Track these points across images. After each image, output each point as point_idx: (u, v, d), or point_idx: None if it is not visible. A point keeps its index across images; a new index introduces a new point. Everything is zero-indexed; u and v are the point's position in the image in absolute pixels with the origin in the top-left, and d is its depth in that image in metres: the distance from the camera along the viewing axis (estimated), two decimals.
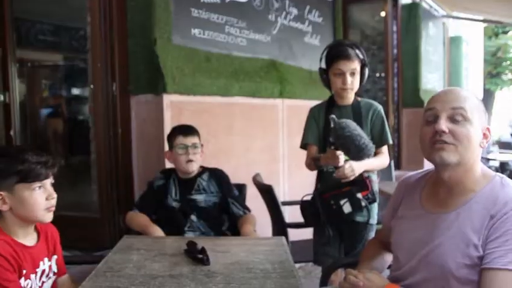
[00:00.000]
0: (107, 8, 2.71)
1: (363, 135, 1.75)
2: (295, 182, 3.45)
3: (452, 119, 1.14)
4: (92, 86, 2.80)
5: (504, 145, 8.81)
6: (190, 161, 2.13)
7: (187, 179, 2.20)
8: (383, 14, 6.38)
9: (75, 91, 6.00)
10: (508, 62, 13.32)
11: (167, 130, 2.30)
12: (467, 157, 1.15)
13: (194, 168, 2.17)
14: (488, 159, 6.49)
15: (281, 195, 3.39)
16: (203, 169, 2.25)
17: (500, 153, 7.77)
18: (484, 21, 8.49)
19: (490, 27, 11.18)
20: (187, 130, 2.18)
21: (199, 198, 2.18)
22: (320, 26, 3.97)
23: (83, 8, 2.86)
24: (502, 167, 5.77)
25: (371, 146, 1.77)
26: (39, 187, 1.37)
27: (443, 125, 1.13)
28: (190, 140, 2.14)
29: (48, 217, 1.42)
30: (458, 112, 1.14)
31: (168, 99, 2.57)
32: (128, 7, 2.70)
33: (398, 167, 6.30)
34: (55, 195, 1.42)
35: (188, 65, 2.72)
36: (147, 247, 1.69)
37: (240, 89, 3.00)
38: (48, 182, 1.41)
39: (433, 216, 1.21)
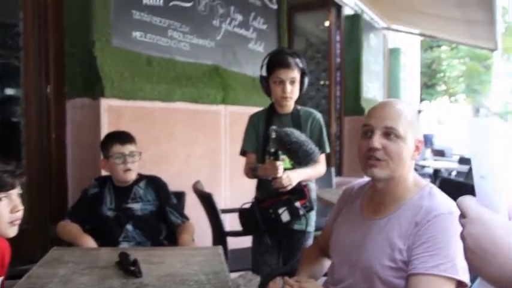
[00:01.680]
0: (42, 5, 2.57)
1: (309, 141, 1.78)
2: (237, 189, 3.44)
3: (385, 135, 1.21)
4: (23, 87, 2.64)
5: (438, 152, 9.28)
6: (128, 170, 2.07)
7: (123, 187, 2.13)
8: (327, 23, 6.55)
9: (9, 91, 5.66)
10: (442, 74, 14.12)
11: (104, 136, 2.21)
12: (399, 172, 1.22)
13: (132, 177, 2.11)
14: (423, 166, 6.81)
15: (222, 202, 3.37)
16: (140, 176, 2.19)
17: (434, 160, 8.19)
18: (420, 34, 8.94)
19: (426, 40, 11.81)
20: (124, 138, 2.10)
21: (136, 206, 2.12)
22: (265, 33, 4.00)
23: (16, 3, 2.70)
24: (435, 174, 6.07)
25: (317, 152, 1.80)
26: (5, 197, 1.26)
27: (377, 142, 1.20)
28: (128, 148, 2.07)
29: (12, 231, 1.31)
30: (391, 131, 1.21)
31: (105, 103, 2.47)
32: (65, 5, 2.58)
33: (339, 173, 6.47)
34: (21, 208, 1.31)
35: (128, 68, 2.64)
36: (76, 259, 1.61)
37: (182, 95, 2.95)
38: (15, 192, 1.30)
39: (368, 222, 1.28)
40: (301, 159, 1.75)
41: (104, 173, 2.23)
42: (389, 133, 1.20)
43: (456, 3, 4.85)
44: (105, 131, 2.41)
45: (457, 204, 0.64)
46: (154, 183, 2.20)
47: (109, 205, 2.11)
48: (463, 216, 0.63)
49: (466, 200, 0.64)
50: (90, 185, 2.17)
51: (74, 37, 2.56)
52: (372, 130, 1.22)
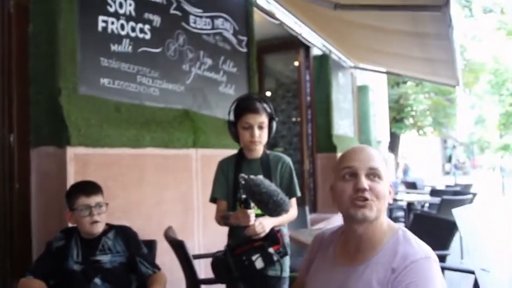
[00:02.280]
0: (6, 53, 2.54)
1: (279, 191, 1.76)
2: (211, 233, 3.37)
3: (369, 177, 1.22)
4: None
5: (410, 185, 9.40)
6: (95, 222, 2.00)
7: (91, 238, 2.05)
8: (296, 63, 6.73)
9: None
10: (409, 108, 14.57)
11: (69, 187, 2.15)
12: (382, 213, 1.23)
13: (100, 229, 2.04)
14: (396, 200, 6.88)
15: (196, 248, 3.29)
16: (109, 227, 2.12)
17: (406, 193, 8.28)
18: (386, 73, 9.25)
19: (392, 77, 12.22)
20: (89, 189, 2.04)
21: (104, 259, 2.04)
22: (235, 75, 4.05)
23: None
24: (409, 207, 6.12)
25: (288, 202, 1.78)
26: None
27: (365, 182, 1.21)
28: (94, 200, 2.01)
29: None
30: (375, 172, 1.22)
31: (71, 151, 2.41)
32: (30, 53, 2.56)
33: (314, 210, 6.47)
34: None
35: (96, 115, 2.60)
36: None
37: (151, 140, 2.92)
38: None
39: (345, 269, 1.25)
40: (271, 210, 1.73)
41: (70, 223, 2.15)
42: (374, 174, 1.22)
43: (418, 44, 5.07)
44: (71, 180, 2.35)
45: None
46: (124, 233, 2.14)
47: (75, 258, 2.02)
48: None
49: None
50: (55, 238, 2.08)
51: (40, 85, 2.53)
52: (356, 172, 1.22)
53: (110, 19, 2.77)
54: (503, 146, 26.85)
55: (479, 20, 19.99)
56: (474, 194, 6.29)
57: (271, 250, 1.92)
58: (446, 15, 3.22)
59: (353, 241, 1.27)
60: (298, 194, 2.15)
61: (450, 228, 3.20)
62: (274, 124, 2.15)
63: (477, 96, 26.58)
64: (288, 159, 2.19)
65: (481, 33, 21.24)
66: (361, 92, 8.93)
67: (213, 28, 3.77)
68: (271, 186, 1.74)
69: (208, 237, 3.39)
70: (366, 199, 1.20)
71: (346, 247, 1.30)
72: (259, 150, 2.13)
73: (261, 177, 1.79)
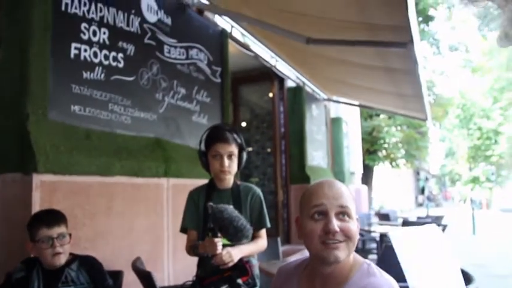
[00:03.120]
0: None
1: (240, 217, 1.77)
2: (181, 264, 3.31)
3: (338, 217, 1.18)
4: None
5: (383, 217, 9.48)
6: (57, 254, 1.93)
7: (53, 270, 1.98)
8: (271, 95, 6.82)
9: None
10: (382, 141, 14.86)
11: (31, 217, 2.08)
12: (353, 251, 1.20)
13: (62, 261, 1.97)
14: (370, 231, 6.91)
15: (165, 279, 3.22)
16: (73, 257, 2.05)
17: (379, 224, 8.33)
18: (359, 106, 9.47)
19: (365, 110, 12.51)
20: (51, 219, 1.97)
21: None
22: (208, 105, 4.07)
23: None
24: (381, 239, 6.16)
25: (249, 227, 1.78)
26: None
27: (336, 224, 1.16)
28: (56, 231, 1.95)
29: None
30: (345, 211, 1.18)
31: (38, 178, 2.36)
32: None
33: (288, 241, 6.44)
34: None
35: (65, 142, 2.56)
36: None
37: (121, 168, 2.88)
38: None
39: None
40: (232, 235, 1.73)
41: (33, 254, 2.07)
42: (343, 213, 1.18)
43: (388, 78, 5.24)
44: (36, 208, 2.29)
45: None
46: (88, 264, 2.07)
47: None
48: None
49: None
50: (16, 269, 2.00)
51: (9, 111, 2.49)
52: (326, 211, 1.18)
53: (83, 46, 2.77)
54: (472, 178, 27.59)
55: (447, 57, 20.87)
56: (445, 226, 6.39)
57: (239, 281, 1.91)
58: (411, 51, 3.35)
59: (319, 278, 1.24)
60: (268, 225, 2.14)
61: None
62: (245, 154, 2.16)
63: (447, 129, 27.45)
64: (258, 190, 2.19)
65: (448, 69, 22.16)
66: (334, 123, 9.09)
67: (187, 58, 3.81)
68: (234, 212, 1.74)
69: (178, 268, 3.32)
70: (339, 241, 1.16)
71: (311, 283, 1.27)
72: (229, 180, 2.14)
73: (226, 205, 1.79)
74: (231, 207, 1.78)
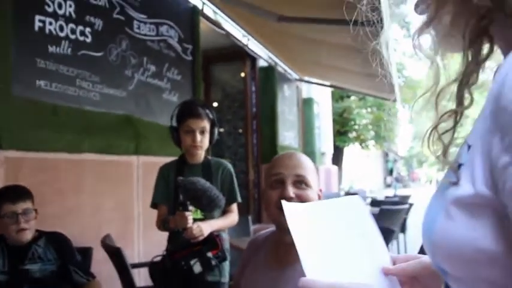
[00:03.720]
0: None
1: (213, 188, 1.79)
2: (151, 241, 3.30)
3: (296, 184, 1.23)
4: None
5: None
6: (21, 230, 1.90)
7: (19, 246, 1.95)
8: (243, 74, 6.78)
9: None
10: (353, 122, 15.08)
11: None
12: None
13: (27, 237, 1.94)
14: None
15: (135, 256, 3.22)
16: (39, 234, 2.03)
17: None
18: (330, 86, 9.55)
19: (337, 91, 12.63)
20: (15, 195, 1.94)
21: (34, 267, 1.95)
22: (179, 83, 4.02)
23: None
24: None
25: (222, 198, 1.80)
26: None
27: (291, 191, 1.21)
28: (21, 206, 1.92)
29: None
30: (302, 179, 1.23)
31: (2, 154, 2.30)
32: None
33: (259, 220, 6.51)
34: None
35: (30, 118, 2.50)
36: None
37: (90, 145, 2.83)
38: None
39: (274, 273, 1.26)
40: (205, 205, 1.76)
41: None
42: (300, 181, 1.23)
43: (359, 59, 5.28)
44: (1, 185, 2.23)
45: None
46: (55, 240, 2.05)
47: (1, 268, 1.92)
48: None
49: (306, 282, 0.64)
50: None
51: None
52: (283, 179, 1.23)
53: (48, 19, 2.68)
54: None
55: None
56: (411, 204, 6.61)
57: (209, 254, 1.93)
58: (380, 31, 3.38)
59: (283, 246, 1.28)
60: (239, 199, 2.17)
61: (387, 235, 3.36)
62: (216, 130, 2.16)
63: (415, 112, 27.94)
64: (229, 165, 2.21)
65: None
66: (306, 104, 9.14)
67: (157, 35, 3.74)
68: (206, 184, 1.76)
69: (149, 245, 3.32)
70: None
71: (276, 251, 1.31)
72: (200, 155, 2.14)
73: (198, 177, 1.80)
74: (202, 179, 1.79)
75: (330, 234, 0.69)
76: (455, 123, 0.51)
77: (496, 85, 0.41)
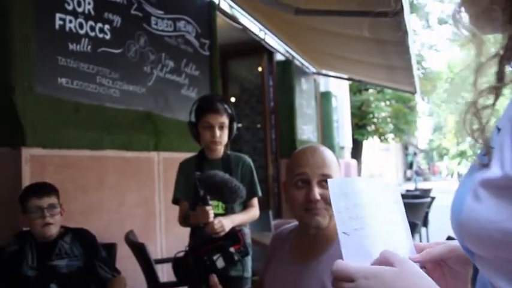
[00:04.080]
0: None
1: (232, 179, 1.77)
2: (174, 237, 3.33)
3: (321, 184, 1.20)
4: None
5: None
6: (47, 224, 1.93)
7: (46, 242, 1.98)
8: (260, 69, 6.76)
9: None
10: (371, 115, 14.91)
11: (23, 189, 2.07)
12: None
13: (53, 232, 1.97)
14: None
15: (158, 252, 3.24)
16: (65, 230, 2.05)
17: None
18: (348, 79, 9.46)
19: (355, 84, 12.50)
20: (41, 190, 1.97)
21: (61, 263, 1.98)
22: (197, 79, 4.03)
23: None
24: None
25: (242, 188, 1.78)
26: None
27: (317, 193, 1.18)
28: (46, 201, 1.94)
29: None
30: (327, 179, 1.20)
31: (27, 152, 2.33)
32: None
33: (279, 215, 6.50)
34: None
35: (53, 116, 2.53)
36: None
37: (112, 142, 2.86)
38: None
39: (298, 266, 1.25)
40: (227, 197, 1.74)
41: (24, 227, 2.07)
42: (326, 181, 1.20)
43: (378, 51, 5.21)
44: (26, 182, 2.27)
45: (334, 273, 0.60)
46: (81, 237, 2.08)
47: (30, 263, 1.95)
48: (349, 280, 0.58)
49: (340, 264, 0.60)
50: (9, 242, 2.00)
51: None
52: (308, 179, 1.20)
53: (68, 17, 2.70)
54: (459, 152, 27.92)
55: (436, 31, 20.85)
56: (433, 198, 6.51)
57: (232, 249, 1.92)
58: (400, 21, 3.33)
59: (307, 239, 1.27)
60: (259, 193, 2.16)
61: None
62: (235, 125, 2.16)
63: (435, 104, 27.62)
64: (249, 160, 2.20)
65: (438, 43, 22.17)
66: (324, 97, 9.07)
67: (175, 30, 3.75)
68: (225, 175, 1.75)
69: (171, 241, 3.35)
70: (320, 208, 1.19)
71: (300, 244, 1.30)
72: (219, 150, 2.14)
73: (216, 170, 1.79)
74: (220, 172, 1.78)
75: (368, 213, 0.68)
76: (495, 99, 0.49)
77: None
